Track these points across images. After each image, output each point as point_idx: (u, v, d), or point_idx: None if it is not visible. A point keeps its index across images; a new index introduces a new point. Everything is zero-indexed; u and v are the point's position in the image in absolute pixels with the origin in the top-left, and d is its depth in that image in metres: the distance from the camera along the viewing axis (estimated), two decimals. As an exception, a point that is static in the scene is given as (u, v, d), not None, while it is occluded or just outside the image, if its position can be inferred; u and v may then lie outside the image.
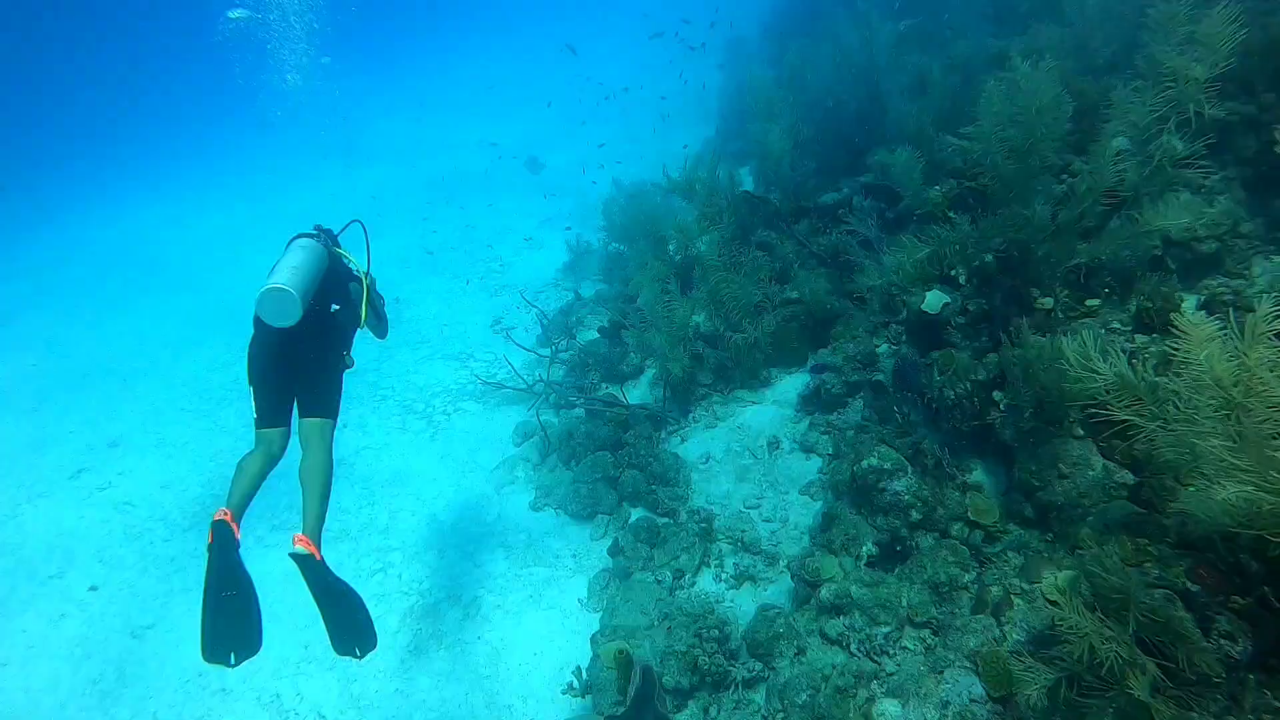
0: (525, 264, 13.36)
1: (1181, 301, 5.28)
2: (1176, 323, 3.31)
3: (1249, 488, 3.01)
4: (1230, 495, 3.29)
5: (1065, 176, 6.58)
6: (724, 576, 6.03)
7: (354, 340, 4.97)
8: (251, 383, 4.41)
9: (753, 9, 19.50)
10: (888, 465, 5.37)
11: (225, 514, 3.90)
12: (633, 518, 6.76)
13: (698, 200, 8.66)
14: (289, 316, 4.21)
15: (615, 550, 6.40)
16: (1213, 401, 3.16)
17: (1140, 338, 5.27)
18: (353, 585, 6.47)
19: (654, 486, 6.77)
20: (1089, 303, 5.76)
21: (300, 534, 4.01)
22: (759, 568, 6.00)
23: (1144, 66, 5.72)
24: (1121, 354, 4.01)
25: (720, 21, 18.17)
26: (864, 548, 5.40)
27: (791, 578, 5.60)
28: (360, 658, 3.97)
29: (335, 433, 4.61)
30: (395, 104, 28.83)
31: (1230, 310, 5.28)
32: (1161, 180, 5.96)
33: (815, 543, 5.84)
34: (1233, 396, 3.01)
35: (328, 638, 3.91)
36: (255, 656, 3.73)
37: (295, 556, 3.88)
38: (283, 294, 4.17)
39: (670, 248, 8.91)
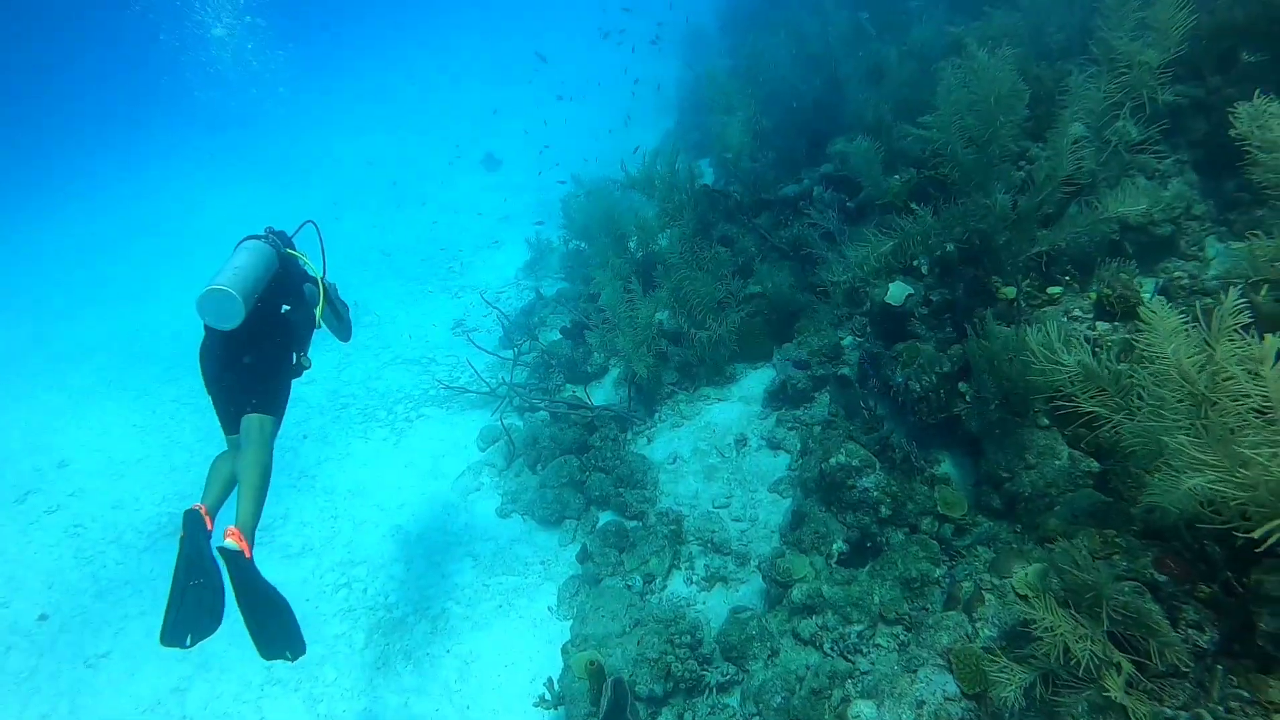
0: (485, 263, 13.17)
1: (1140, 288, 5.28)
2: (1142, 315, 3.28)
3: (1214, 481, 2.99)
4: (1196, 485, 3.28)
5: (1023, 163, 6.59)
6: (695, 579, 5.96)
7: (309, 343, 4.89)
8: (207, 390, 4.37)
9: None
10: (856, 462, 5.33)
11: (199, 507, 3.87)
12: (601, 522, 6.66)
13: (658, 196, 8.54)
14: (230, 318, 4.10)
15: (584, 556, 6.30)
16: (1179, 395, 3.13)
17: (1101, 325, 5.27)
18: (317, 601, 6.36)
19: (621, 489, 6.68)
20: (1050, 290, 5.75)
21: (232, 526, 3.83)
22: (730, 568, 5.94)
23: (1098, 52, 5.72)
24: (1085, 344, 3.99)
25: (674, 15, 18.04)
26: (834, 545, 5.36)
27: (763, 578, 5.53)
28: (293, 660, 3.85)
29: (278, 432, 4.48)
30: (350, 104, 28.26)
31: (1189, 295, 5.40)
32: (1118, 165, 6.00)
33: (785, 541, 5.79)
34: (1199, 391, 2.98)
35: (252, 642, 3.74)
36: (210, 637, 3.66)
37: (223, 551, 3.69)
38: (223, 295, 4.05)
39: (631, 244, 8.79)
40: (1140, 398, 3.55)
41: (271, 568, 6.99)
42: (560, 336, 8.79)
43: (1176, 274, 5.50)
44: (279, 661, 3.85)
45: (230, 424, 4.37)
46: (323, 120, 25.93)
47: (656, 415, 7.47)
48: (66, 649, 6.64)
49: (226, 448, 4.39)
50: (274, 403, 4.43)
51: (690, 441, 7.07)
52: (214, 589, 3.64)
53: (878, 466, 5.35)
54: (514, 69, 24.50)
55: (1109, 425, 3.81)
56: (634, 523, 6.51)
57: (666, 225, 8.46)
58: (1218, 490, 2.99)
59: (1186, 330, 3.12)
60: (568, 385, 8.36)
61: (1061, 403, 4.03)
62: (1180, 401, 3.15)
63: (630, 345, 7.15)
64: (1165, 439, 3.13)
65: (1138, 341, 3.41)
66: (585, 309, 8.76)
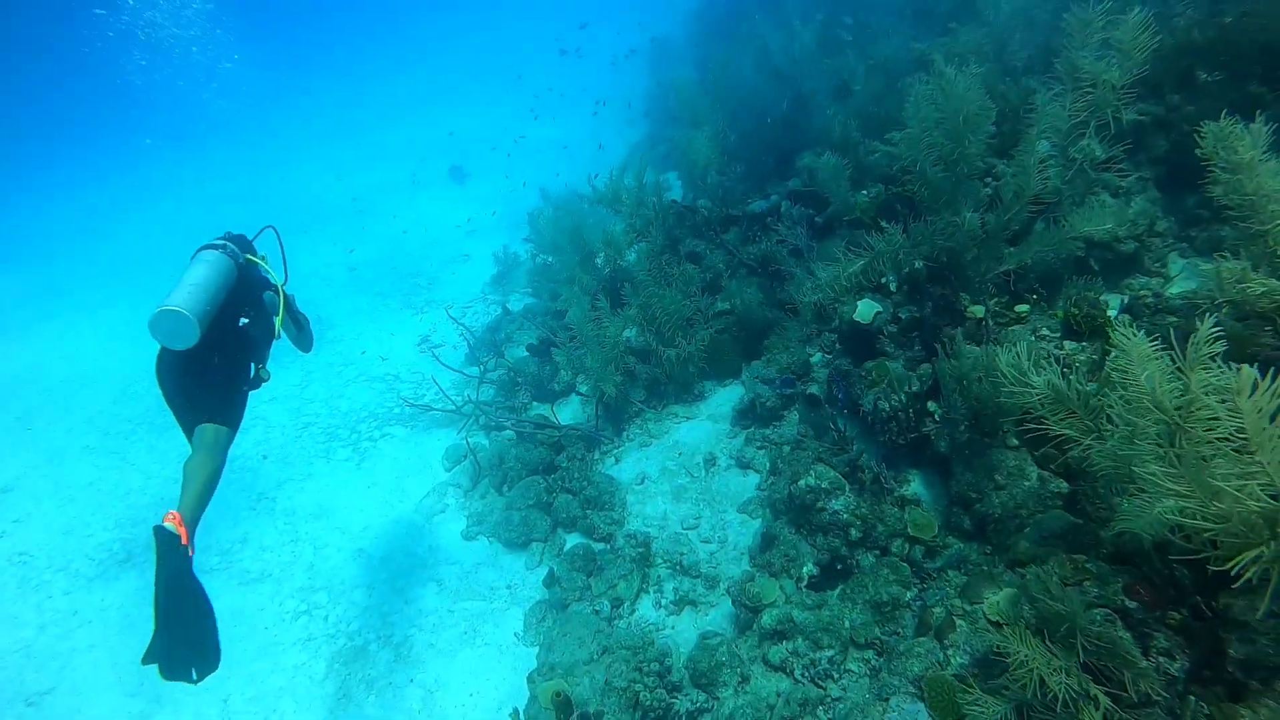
0: (451, 278, 12.99)
1: (1107, 307, 5.28)
2: (1115, 339, 3.24)
3: (1186, 510, 2.95)
4: (1165, 510, 3.25)
5: (990, 180, 6.61)
6: (664, 602, 5.85)
7: (269, 354, 4.76)
8: (168, 404, 4.27)
9: (677, 10, 19.44)
10: (825, 484, 5.26)
11: (173, 516, 3.67)
12: (568, 545, 6.53)
13: (625, 211, 8.46)
14: (185, 339, 3.99)
15: (550, 581, 6.16)
16: (1151, 422, 3.09)
17: (1069, 344, 5.26)
18: (276, 630, 6.14)
19: (589, 511, 6.56)
20: (1018, 308, 5.75)
21: (174, 511, 3.69)
22: (699, 591, 5.83)
23: (1062, 71, 5.74)
24: (1054, 364, 3.96)
25: (639, 36, 18.03)
26: (804, 568, 5.28)
27: (733, 603, 5.44)
28: (196, 681, 3.43)
29: (232, 441, 4.34)
30: (314, 117, 27.90)
31: (1154, 314, 5.42)
32: (1083, 183, 6.02)
33: (755, 563, 5.71)
34: (1172, 419, 2.94)
35: (156, 652, 3.36)
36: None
37: (159, 531, 3.53)
38: (176, 316, 3.93)
39: (598, 260, 8.69)
40: (1110, 421, 3.53)
41: (228, 595, 6.86)
42: (527, 354, 8.64)
43: (1141, 292, 5.52)
44: (179, 683, 3.42)
45: (192, 434, 4.23)
46: (288, 133, 25.60)
47: (624, 434, 7.36)
48: (7, 685, 6.33)
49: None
50: (230, 414, 4.31)
51: (658, 461, 6.97)
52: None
53: (847, 489, 5.29)
54: (482, 84, 24.36)
55: (1078, 447, 3.78)
56: (601, 545, 6.38)
57: (634, 241, 8.38)
58: (1190, 522, 2.95)
59: (1159, 356, 3.08)
60: (534, 403, 8.23)
61: (1031, 425, 4.00)
62: (1153, 428, 3.11)
63: (598, 363, 7.05)
64: (1137, 469, 3.07)
65: (1111, 366, 3.38)
66: (552, 326, 8.63)
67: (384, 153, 21.29)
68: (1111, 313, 5.68)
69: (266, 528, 7.63)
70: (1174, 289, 6.25)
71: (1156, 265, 6.42)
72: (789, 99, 10.39)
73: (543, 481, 6.87)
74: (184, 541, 3.58)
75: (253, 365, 4.60)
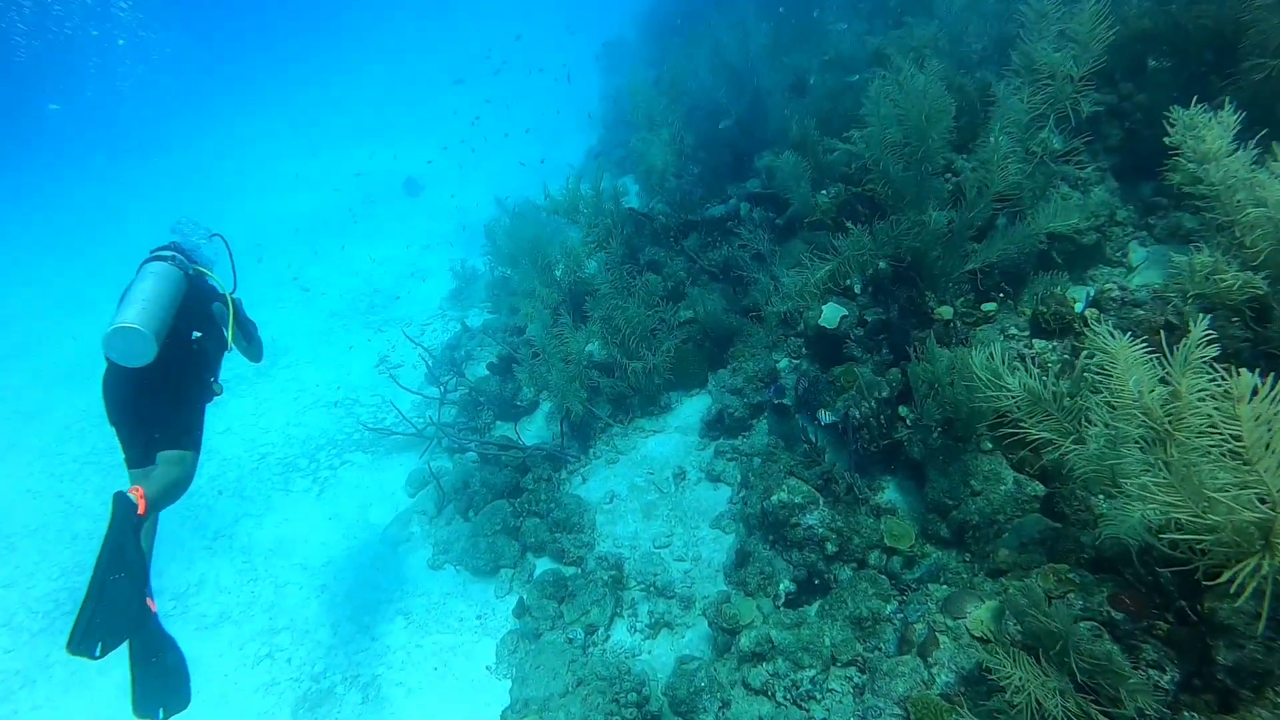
0: (409, 295, 12.67)
1: (1074, 302, 5.19)
2: (1097, 342, 3.13)
3: (1177, 516, 2.84)
4: (1149, 515, 3.16)
5: (949, 175, 6.52)
6: (639, 626, 5.66)
7: (220, 366, 4.64)
8: (110, 422, 4.10)
9: (629, 9, 19.25)
10: (798, 499, 5.11)
11: (135, 490, 3.63)
12: (538, 570, 6.31)
13: (583, 220, 8.24)
14: (141, 356, 3.87)
15: (521, 610, 5.94)
16: (1137, 427, 2.97)
17: (1039, 343, 5.16)
18: (237, 677, 5.87)
19: (557, 534, 6.35)
20: (985, 307, 5.65)
21: (138, 485, 3.69)
22: (675, 613, 5.66)
23: (1019, 64, 5.64)
24: (1029, 365, 3.85)
25: (576, 48, 17.77)
26: (781, 585, 5.13)
27: (709, 625, 5.27)
28: (99, 658, 3.21)
29: (197, 471, 4.29)
30: (262, 133, 27.23)
31: (1121, 307, 5.35)
32: (1043, 176, 5.95)
33: (730, 581, 5.56)
34: (1162, 427, 2.82)
35: (83, 625, 3.17)
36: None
37: (118, 497, 3.48)
38: (132, 334, 3.81)
39: (557, 272, 8.46)
40: (1089, 422, 3.43)
41: (185, 642, 6.45)
42: (488, 372, 8.38)
43: (1107, 285, 5.43)
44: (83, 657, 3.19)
45: (136, 460, 4.10)
46: (236, 146, 24.96)
47: (591, 451, 7.16)
48: (-56, 753, 6.00)
49: (131, 484, 3.99)
50: (191, 436, 4.23)
51: (627, 478, 6.77)
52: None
53: (821, 502, 5.15)
54: (433, 92, 23.97)
55: (1055, 450, 3.68)
56: (572, 569, 6.18)
57: (593, 251, 8.17)
58: (1181, 536, 2.84)
59: (1145, 359, 2.97)
60: (498, 422, 7.99)
61: (1007, 428, 3.89)
62: (1138, 432, 3.00)
63: (562, 380, 6.83)
64: (1127, 481, 2.96)
65: (1088, 365, 3.28)
66: (513, 342, 8.38)
67: (332, 171, 20.79)
68: (1078, 306, 5.61)
69: (224, 567, 7.32)
70: (1137, 279, 6.20)
71: (1118, 255, 6.37)
72: (745, 99, 10.25)
73: (509, 506, 6.64)
74: (141, 512, 3.55)
75: (207, 380, 4.48)
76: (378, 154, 20.29)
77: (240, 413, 9.77)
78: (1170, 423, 2.81)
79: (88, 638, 3.15)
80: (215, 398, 4.52)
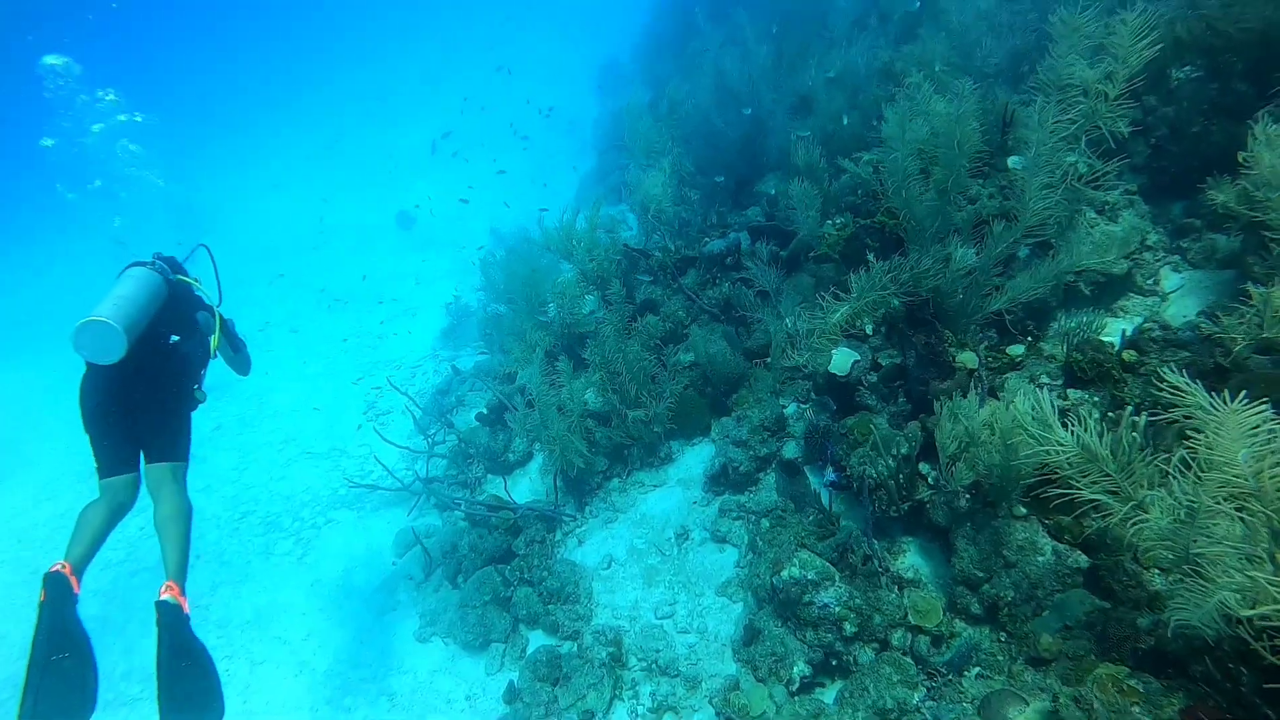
0: (399, 334, 12.18)
1: (1112, 349, 4.66)
2: (1194, 402, 2.65)
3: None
4: (1229, 599, 2.69)
5: (966, 204, 6.03)
6: (640, 711, 5.12)
7: (204, 375, 4.57)
8: (86, 428, 4.00)
9: (625, 31, 18.89)
10: (811, 575, 4.59)
11: (63, 566, 3.45)
12: (531, 646, 5.79)
13: (578, 258, 7.78)
14: (110, 352, 3.79)
15: (512, 695, 5.42)
16: (1246, 511, 2.48)
17: (1074, 393, 4.63)
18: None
19: (551, 606, 5.83)
20: (1011, 350, 5.13)
21: (169, 580, 3.64)
22: (679, 694, 5.12)
23: (1046, 79, 5.15)
24: (1091, 421, 3.35)
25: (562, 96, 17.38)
26: (795, 669, 4.60)
27: (717, 715, 4.74)
28: None
29: (189, 486, 4.20)
30: (248, 163, 26.97)
31: (1162, 349, 4.82)
32: (1070, 202, 5.46)
33: (739, 659, 5.03)
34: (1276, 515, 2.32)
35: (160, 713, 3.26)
36: None
37: (161, 605, 3.47)
38: (101, 327, 3.73)
39: (551, 311, 7.99)
40: (1146, 486, 2.97)
41: (153, 728, 6.04)
42: (478, 423, 7.88)
43: (1146, 325, 4.91)
44: None
45: (112, 467, 3.95)
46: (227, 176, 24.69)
47: (587, 509, 6.64)
48: None
49: (99, 495, 3.90)
50: (179, 446, 4.17)
51: (626, 539, 6.26)
52: (84, 662, 3.24)
53: (837, 577, 4.62)
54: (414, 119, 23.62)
55: (1110, 517, 3.18)
56: (568, 644, 5.66)
57: (589, 290, 7.70)
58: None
59: (1263, 429, 2.47)
60: (489, 476, 7.49)
61: (1053, 490, 3.40)
62: (1247, 521, 2.52)
63: (558, 432, 6.32)
64: (1201, 553, 2.48)
65: (1190, 442, 2.81)
66: (505, 390, 7.87)
67: (332, 196, 20.47)
68: (1107, 337, 5.10)
69: (197, 641, 6.82)
70: (1170, 308, 5.70)
71: (1150, 282, 5.87)
72: (745, 122, 9.80)
73: (499, 576, 6.13)
74: (185, 610, 3.56)
75: (190, 386, 4.41)
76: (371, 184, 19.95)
77: (221, 467, 9.32)
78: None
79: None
80: (199, 405, 4.44)
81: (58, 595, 3.32)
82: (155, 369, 4.14)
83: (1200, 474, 2.86)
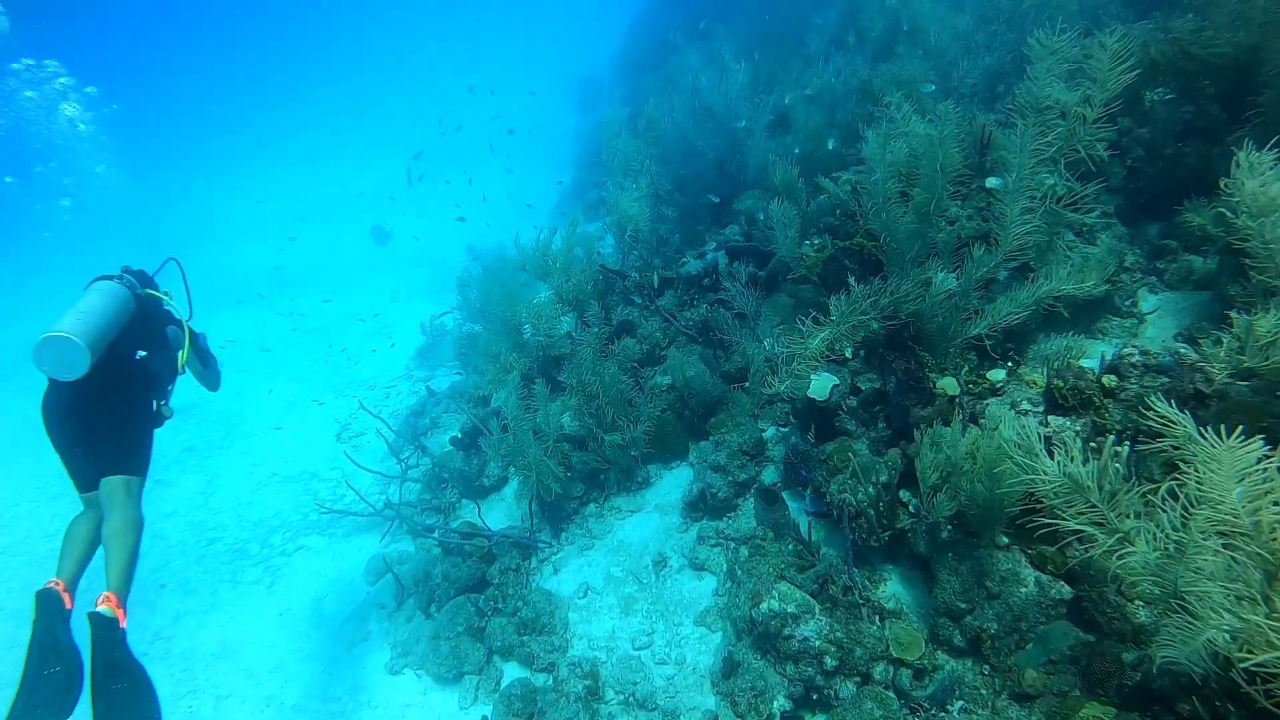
0: (374, 354, 11.95)
1: (1095, 377, 4.61)
2: (1184, 433, 2.60)
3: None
4: (1218, 638, 2.65)
5: (943, 223, 6.00)
6: (617, 747, 5.00)
7: (172, 391, 4.55)
8: (54, 447, 3.95)
9: (602, 48, 18.89)
10: (791, 608, 4.49)
11: (56, 583, 3.47)
12: (505, 678, 5.63)
13: (555, 279, 7.66)
14: (73, 368, 3.72)
15: (485, 733, 5.26)
16: (1241, 554, 2.42)
17: (1055, 419, 4.57)
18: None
19: (526, 637, 5.68)
20: (991, 375, 5.08)
21: (108, 591, 3.48)
22: (658, 729, 5.00)
23: (1024, 101, 5.13)
24: (1077, 448, 3.28)
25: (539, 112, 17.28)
26: (775, 704, 4.49)
27: (695, 753, 4.62)
28: None
29: (143, 497, 4.09)
30: (220, 179, 26.66)
31: (1143, 374, 4.78)
32: (1049, 226, 5.43)
33: (718, 691, 4.91)
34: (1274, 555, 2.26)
35: None
36: None
37: (95, 618, 3.31)
38: (63, 342, 3.66)
39: (527, 331, 7.85)
40: (1129, 516, 2.92)
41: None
42: (452, 447, 7.71)
43: (1126, 350, 4.86)
44: None
45: (85, 482, 3.95)
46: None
47: (563, 536, 6.50)
48: None
49: (83, 508, 3.96)
50: (136, 459, 4.06)
51: (603, 566, 6.13)
52: (71, 675, 3.23)
53: (817, 610, 4.52)
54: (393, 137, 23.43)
55: (1095, 548, 3.12)
56: (543, 676, 5.51)
57: (565, 311, 7.59)
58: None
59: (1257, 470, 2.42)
60: (464, 500, 7.33)
61: (1031, 518, 3.35)
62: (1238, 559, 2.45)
63: (534, 458, 6.18)
64: (1189, 588, 2.42)
65: (1177, 474, 2.76)
66: (479, 414, 7.71)
67: (303, 213, 20.20)
68: (1086, 362, 5.06)
69: (161, 676, 6.56)
70: (1148, 329, 5.69)
71: (1128, 304, 5.85)
72: (722, 141, 9.76)
73: (472, 606, 5.97)
74: (121, 624, 3.38)
75: (154, 402, 4.34)
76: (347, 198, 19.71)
77: (189, 491, 9.09)
78: None
79: None
80: (165, 421, 4.40)
81: (50, 611, 3.33)
82: (121, 386, 4.06)
83: (1190, 508, 2.81)
